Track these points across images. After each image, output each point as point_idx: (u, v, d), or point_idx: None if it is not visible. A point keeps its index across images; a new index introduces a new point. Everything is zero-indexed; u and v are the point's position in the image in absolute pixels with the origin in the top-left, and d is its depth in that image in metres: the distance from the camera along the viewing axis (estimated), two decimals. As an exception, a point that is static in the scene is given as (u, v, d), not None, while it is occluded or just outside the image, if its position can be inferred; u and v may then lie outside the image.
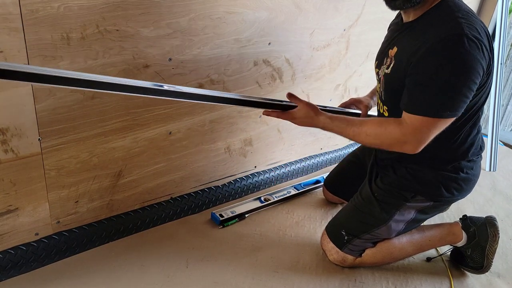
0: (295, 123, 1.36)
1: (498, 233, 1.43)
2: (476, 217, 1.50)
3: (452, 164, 1.35)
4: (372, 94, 1.67)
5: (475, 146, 1.36)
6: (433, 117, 1.14)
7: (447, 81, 1.11)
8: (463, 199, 1.43)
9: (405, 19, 1.28)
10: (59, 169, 1.32)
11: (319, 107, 1.35)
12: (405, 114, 1.20)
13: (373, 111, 1.61)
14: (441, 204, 1.43)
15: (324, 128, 1.34)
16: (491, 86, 1.25)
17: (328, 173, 1.85)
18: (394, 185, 1.41)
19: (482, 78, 1.14)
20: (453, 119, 1.17)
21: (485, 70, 1.14)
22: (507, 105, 2.94)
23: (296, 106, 1.34)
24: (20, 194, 1.27)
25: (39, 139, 1.23)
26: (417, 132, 1.18)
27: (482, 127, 2.83)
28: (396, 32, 1.33)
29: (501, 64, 2.25)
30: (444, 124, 1.17)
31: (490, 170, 2.23)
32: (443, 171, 1.35)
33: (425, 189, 1.37)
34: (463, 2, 1.21)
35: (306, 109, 1.32)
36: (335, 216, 1.54)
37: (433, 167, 1.36)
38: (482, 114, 1.33)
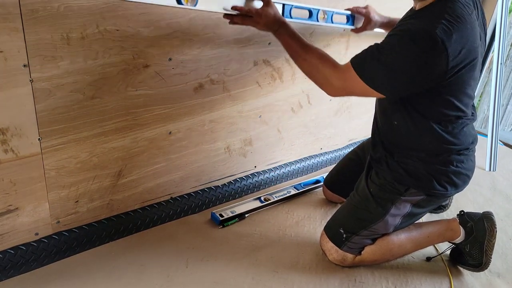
0: (253, 26, 1.37)
1: (495, 227, 1.43)
2: (473, 212, 1.51)
3: (440, 157, 1.36)
4: (388, 20, 1.71)
5: (461, 140, 1.36)
6: (364, 82, 1.21)
7: (390, 62, 1.17)
8: (463, 199, 1.43)
9: (414, 8, 1.32)
10: (59, 169, 1.32)
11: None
12: (347, 62, 1.26)
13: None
14: (436, 198, 1.43)
15: (278, 38, 1.37)
16: (459, 85, 1.26)
17: (328, 173, 1.85)
18: (388, 179, 1.42)
19: (432, 80, 1.18)
20: (380, 95, 1.24)
21: (438, 74, 1.17)
22: (507, 105, 2.95)
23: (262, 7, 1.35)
24: (20, 194, 1.28)
25: (39, 139, 1.24)
26: (344, 82, 1.26)
27: (482, 127, 2.84)
28: (403, 18, 1.37)
29: (501, 64, 2.25)
30: (371, 93, 1.23)
31: (490, 170, 2.23)
32: (433, 164, 1.37)
33: (417, 182, 1.38)
34: (467, 6, 1.20)
35: (273, 19, 1.34)
36: (333, 215, 1.55)
37: (422, 160, 1.37)
38: (466, 108, 1.33)
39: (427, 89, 1.22)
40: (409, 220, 1.46)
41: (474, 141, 1.42)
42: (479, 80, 1.39)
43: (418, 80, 1.19)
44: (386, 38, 1.22)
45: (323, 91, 1.36)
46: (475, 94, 1.44)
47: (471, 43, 1.18)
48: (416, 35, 1.13)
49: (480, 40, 1.30)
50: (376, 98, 1.44)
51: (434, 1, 1.21)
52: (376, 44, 1.22)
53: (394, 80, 1.19)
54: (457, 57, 1.16)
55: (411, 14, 1.29)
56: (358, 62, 1.23)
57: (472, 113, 1.40)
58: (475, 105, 2.91)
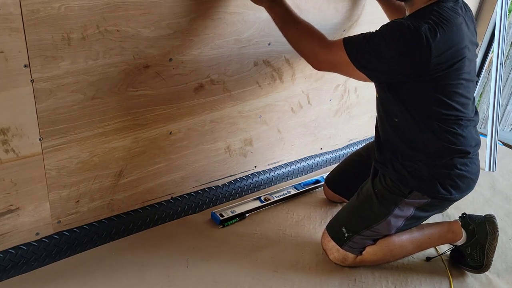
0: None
1: (497, 231, 1.43)
2: (475, 215, 1.50)
3: (443, 160, 1.36)
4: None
5: (462, 141, 1.36)
6: (350, 59, 1.27)
7: (377, 46, 1.23)
8: (463, 200, 1.43)
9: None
10: (60, 169, 1.32)
11: None
12: (339, 39, 1.31)
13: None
14: (440, 202, 1.43)
15: (271, 11, 1.37)
16: (447, 84, 1.28)
17: (328, 172, 1.85)
18: (394, 180, 1.42)
19: (413, 73, 1.24)
20: (360, 75, 1.29)
21: (419, 68, 1.23)
22: (506, 105, 2.95)
23: None
24: (21, 194, 1.28)
25: (40, 139, 1.24)
26: (330, 56, 1.31)
27: (482, 127, 2.84)
28: None
29: (500, 64, 2.25)
30: (352, 73, 1.29)
31: (489, 170, 2.23)
32: (436, 167, 1.37)
33: (421, 184, 1.38)
34: (453, 10, 1.26)
35: None
36: (336, 214, 1.55)
37: (425, 163, 1.37)
38: (465, 109, 1.34)
39: (407, 80, 1.27)
40: (412, 223, 1.46)
41: (477, 145, 1.41)
42: (476, 82, 1.40)
43: (398, 68, 1.25)
44: (380, 26, 1.28)
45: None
46: (474, 95, 1.44)
47: (457, 44, 1.24)
48: (405, 28, 1.20)
49: (472, 44, 1.33)
50: (377, 98, 1.45)
51: (422, 7, 1.28)
52: (370, 31, 1.28)
53: (377, 63, 1.25)
54: (441, 56, 1.21)
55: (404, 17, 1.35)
56: (350, 40, 1.29)
57: (474, 115, 1.41)
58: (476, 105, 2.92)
